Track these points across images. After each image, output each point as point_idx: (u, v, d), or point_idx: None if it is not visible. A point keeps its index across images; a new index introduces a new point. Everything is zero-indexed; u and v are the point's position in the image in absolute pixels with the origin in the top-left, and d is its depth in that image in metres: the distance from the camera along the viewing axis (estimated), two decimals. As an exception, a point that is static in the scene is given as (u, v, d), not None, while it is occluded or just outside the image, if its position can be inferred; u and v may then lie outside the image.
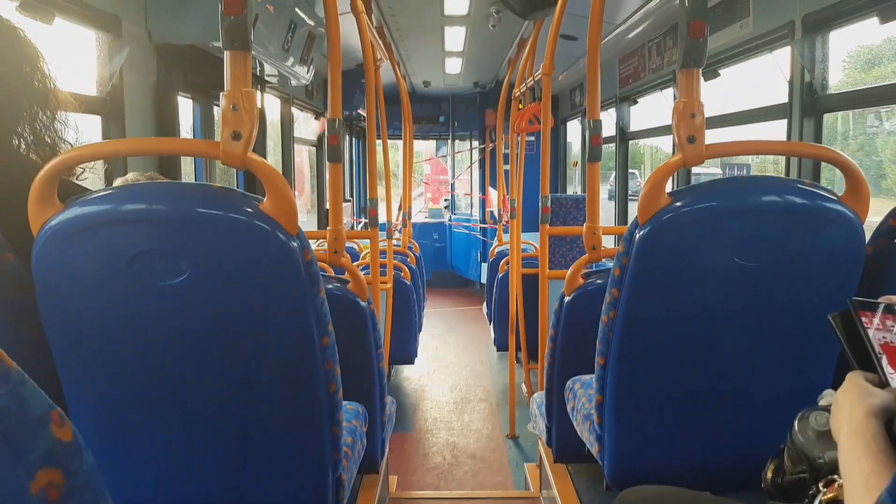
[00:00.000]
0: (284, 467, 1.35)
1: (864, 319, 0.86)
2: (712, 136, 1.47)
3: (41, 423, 0.46)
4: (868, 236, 1.45)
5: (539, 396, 2.50)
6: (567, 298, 2.11)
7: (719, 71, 3.37)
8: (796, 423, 0.91)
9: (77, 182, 1.34)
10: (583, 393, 1.92)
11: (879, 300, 0.90)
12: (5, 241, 1.16)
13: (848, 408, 0.78)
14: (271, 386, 1.28)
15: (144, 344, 1.23)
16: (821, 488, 0.85)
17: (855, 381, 0.81)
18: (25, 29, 1.24)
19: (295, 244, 1.20)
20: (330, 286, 1.88)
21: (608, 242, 2.17)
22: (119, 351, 1.24)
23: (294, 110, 5.24)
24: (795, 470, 0.90)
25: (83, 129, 1.39)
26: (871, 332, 0.85)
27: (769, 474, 0.97)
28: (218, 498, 1.36)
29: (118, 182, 1.82)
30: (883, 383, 0.81)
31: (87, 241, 1.16)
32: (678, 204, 1.41)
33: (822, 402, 0.92)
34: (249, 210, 1.18)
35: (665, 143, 5.30)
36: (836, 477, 0.84)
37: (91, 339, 1.23)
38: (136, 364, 1.25)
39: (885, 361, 0.83)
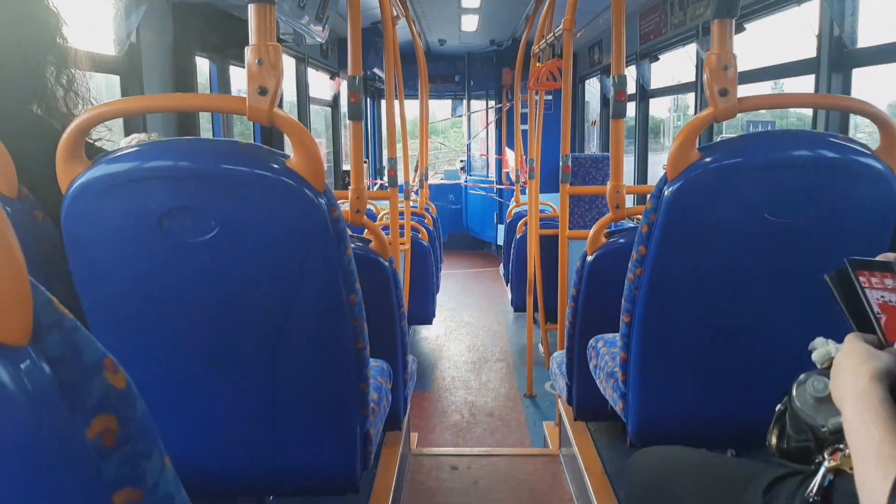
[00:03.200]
0: (314, 423, 1.37)
1: (861, 279, 0.83)
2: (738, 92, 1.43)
3: (96, 370, 0.46)
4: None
5: (559, 355, 2.51)
6: (589, 258, 2.10)
7: (745, 25, 3.29)
8: (794, 388, 0.88)
9: (97, 144, 1.34)
10: (606, 351, 1.93)
11: (877, 258, 0.86)
12: (35, 200, 1.16)
13: (851, 373, 0.75)
14: (300, 343, 1.29)
15: (174, 301, 1.24)
16: (826, 456, 0.83)
17: (855, 344, 0.78)
18: None
19: (322, 201, 1.19)
20: (352, 245, 1.89)
21: (628, 202, 2.15)
22: (149, 307, 1.25)
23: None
24: (800, 438, 0.89)
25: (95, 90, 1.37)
26: (868, 292, 0.82)
27: (773, 440, 0.95)
28: (249, 453, 1.39)
29: (123, 143, 1.81)
30: (882, 344, 0.79)
31: (115, 198, 1.16)
32: (708, 159, 1.39)
33: (814, 356, 0.89)
34: (276, 167, 1.17)
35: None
36: (841, 446, 0.82)
37: (121, 295, 1.24)
38: (166, 320, 1.26)
39: (883, 321, 0.81)
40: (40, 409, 0.42)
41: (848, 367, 0.76)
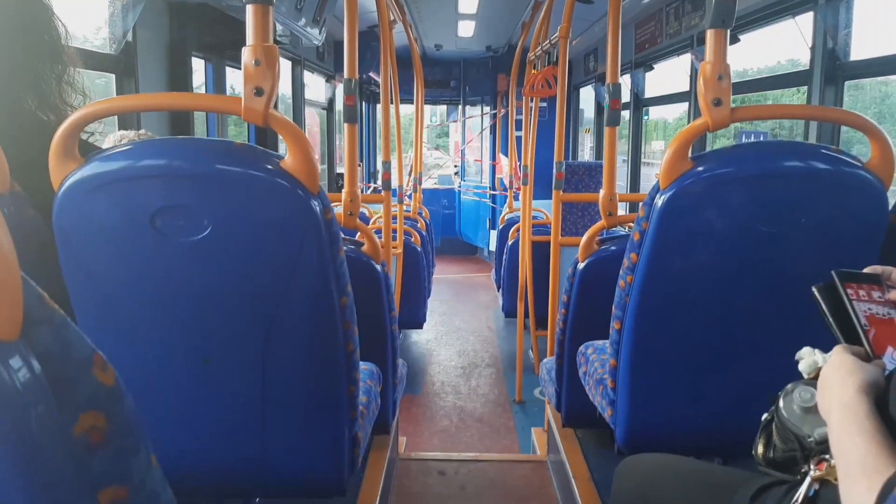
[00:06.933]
0: (303, 425, 1.36)
1: (849, 291, 0.84)
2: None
3: (84, 366, 0.46)
4: (892, 204, 1.43)
5: (549, 362, 2.52)
6: (581, 265, 2.11)
7: (739, 36, 3.31)
8: (781, 398, 0.89)
9: (89, 141, 1.34)
10: (595, 358, 1.93)
11: (865, 270, 0.88)
12: (27, 196, 1.16)
13: (837, 385, 0.75)
14: (291, 344, 1.28)
15: (165, 300, 1.24)
16: (811, 466, 0.84)
17: (842, 356, 0.79)
18: None
19: (316, 203, 1.19)
20: (345, 248, 1.89)
21: (621, 210, 2.16)
22: (140, 305, 1.24)
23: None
24: (787, 448, 0.89)
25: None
26: (856, 304, 0.83)
27: (760, 449, 0.95)
28: (237, 454, 1.38)
29: (109, 140, 1.79)
30: (869, 357, 0.80)
31: (108, 196, 1.16)
32: (700, 169, 1.39)
33: (801, 365, 0.89)
34: (270, 167, 1.17)
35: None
36: (827, 456, 0.82)
37: (111, 293, 1.23)
38: (156, 319, 1.26)
39: (871, 334, 0.81)
40: (28, 404, 0.42)
41: (835, 379, 0.77)
